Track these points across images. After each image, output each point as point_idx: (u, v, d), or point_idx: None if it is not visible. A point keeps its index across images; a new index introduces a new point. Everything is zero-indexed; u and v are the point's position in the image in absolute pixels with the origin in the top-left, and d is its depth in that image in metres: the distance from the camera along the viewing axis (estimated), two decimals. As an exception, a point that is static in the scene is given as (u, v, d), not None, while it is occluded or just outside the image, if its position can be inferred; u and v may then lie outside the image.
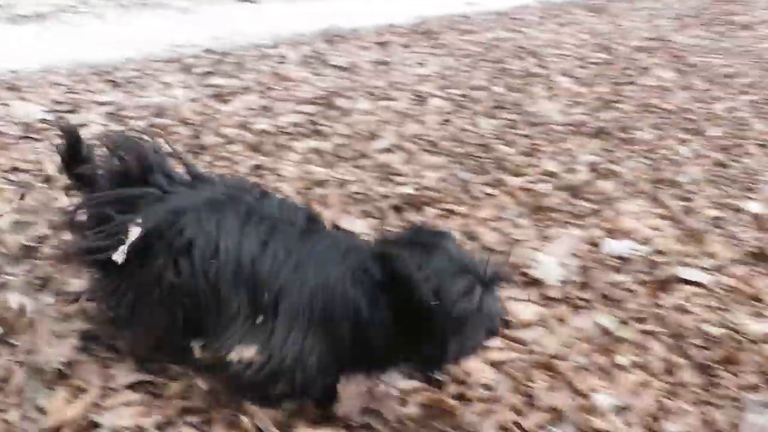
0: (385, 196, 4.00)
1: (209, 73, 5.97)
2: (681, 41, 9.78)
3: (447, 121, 5.55)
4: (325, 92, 5.81)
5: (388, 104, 5.73)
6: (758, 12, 12.93)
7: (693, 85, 7.61)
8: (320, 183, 4.07)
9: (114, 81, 5.48)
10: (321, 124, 5.04)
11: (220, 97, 5.39)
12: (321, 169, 4.29)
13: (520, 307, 3.10)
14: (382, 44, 7.78)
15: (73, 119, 4.39)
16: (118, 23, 7.32)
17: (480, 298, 1.88)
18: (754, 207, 4.71)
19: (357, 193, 4.02)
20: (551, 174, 4.79)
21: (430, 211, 3.92)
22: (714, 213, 4.56)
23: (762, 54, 9.41)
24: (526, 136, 5.45)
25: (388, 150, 4.73)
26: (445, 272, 1.90)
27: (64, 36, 6.62)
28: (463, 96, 6.21)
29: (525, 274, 3.41)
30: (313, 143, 4.66)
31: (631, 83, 7.34)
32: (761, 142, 6.07)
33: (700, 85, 7.64)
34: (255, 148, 4.48)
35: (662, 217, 4.39)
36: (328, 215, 3.51)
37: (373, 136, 4.95)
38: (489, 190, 4.38)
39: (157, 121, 4.71)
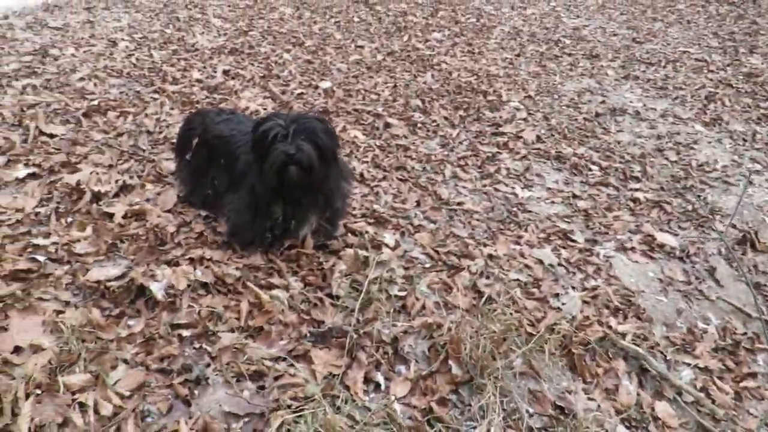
0: (78, 108, 4.70)
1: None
2: None
3: (131, 55, 6.09)
4: (42, 46, 6.15)
5: (89, 49, 6.17)
6: None
7: (303, 15, 8.75)
8: (31, 106, 4.58)
9: None
10: (36, 68, 5.49)
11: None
12: (32, 97, 4.78)
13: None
14: (88, 9, 7.97)
15: None
16: None
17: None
18: (324, 85, 6.09)
19: (57, 109, 4.61)
20: (198, 81, 5.77)
21: (112, 114, 4.76)
22: (300, 90, 5.86)
23: None
24: (185, 59, 6.23)
25: (83, 79, 5.34)
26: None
27: None
28: (144, 38, 6.72)
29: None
30: (28, 81, 5.13)
31: (261, 18, 8.28)
32: (337, 46, 7.46)
33: (308, 14, 8.82)
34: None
35: (267, 97, 5.60)
36: (33, 125, 4.23)
37: (74, 71, 5.52)
38: (155, 96, 5.30)
39: None
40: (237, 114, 3.42)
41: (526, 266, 3.37)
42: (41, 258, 2.83)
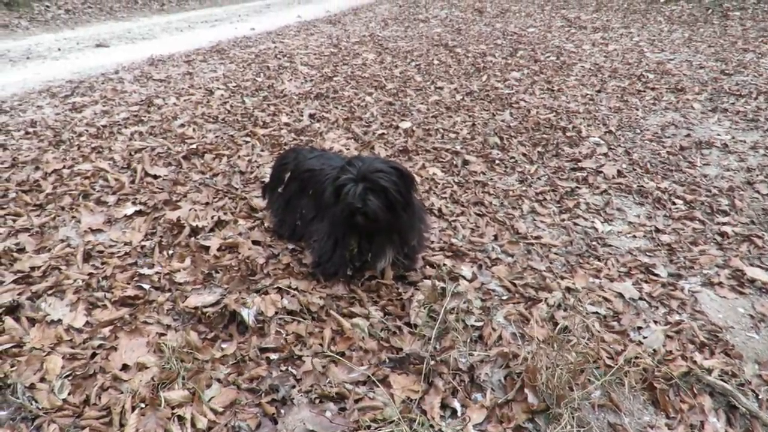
0: (179, 152, 5.12)
1: (68, 97, 6.80)
2: (383, 35, 11.27)
3: (225, 102, 6.55)
4: (147, 97, 6.71)
5: (189, 98, 6.70)
6: (431, 12, 14.82)
7: (384, 60, 9.10)
8: (138, 150, 5.07)
9: (2, 109, 6.21)
10: (143, 117, 6.00)
11: (74, 109, 6.25)
12: (139, 142, 5.26)
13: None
14: (188, 62, 8.62)
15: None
16: (10, 73, 7.78)
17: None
18: (405, 125, 6.31)
19: (161, 152, 5.06)
20: (286, 124, 6.12)
21: (208, 156, 5.15)
22: (381, 131, 6.10)
23: (432, 37, 11.10)
24: (274, 105, 6.61)
25: (183, 125, 5.81)
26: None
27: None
28: (237, 86, 7.22)
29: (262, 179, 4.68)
30: (135, 128, 5.64)
31: (345, 64, 8.67)
32: (417, 87, 7.69)
33: (389, 59, 9.16)
34: (96, 137, 5.45)
35: (350, 138, 5.87)
36: (140, 167, 4.68)
37: (175, 118, 6.00)
38: (246, 139, 5.68)
39: (30, 129, 5.53)
40: (327, 152, 3.66)
41: (606, 299, 3.35)
42: (146, 286, 3.10)
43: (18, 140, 4.96)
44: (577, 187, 4.75)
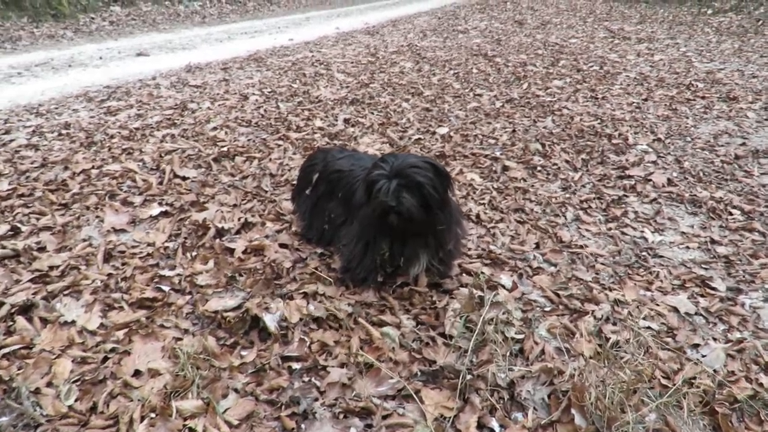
0: (209, 154, 5.01)
1: (105, 101, 6.78)
2: (422, 45, 11.11)
3: (259, 107, 6.46)
4: (182, 101, 6.66)
5: (223, 103, 6.63)
6: (471, 23, 14.62)
7: (422, 68, 8.91)
8: (169, 152, 4.97)
9: (39, 112, 6.23)
10: (176, 120, 5.91)
11: (109, 113, 6.23)
12: (170, 144, 5.16)
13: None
14: (225, 69, 8.59)
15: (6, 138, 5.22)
16: (51, 79, 7.84)
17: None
18: (442, 130, 6.09)
19: (191, 155, 4.96)
20: (320, 128, 5.96)
21: (239, 159, 5.01)
22: (417, 136, 5.88)
23: (470, 47, 10.90)
24: (308, 110, 6.48)
25: (215, 128, 5.70)
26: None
27: (7, 90, 7.17)
28: (272, 92, 7.12)
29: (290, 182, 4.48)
30: (167, 131, 5.55)
31: (382, 72, 8.51)
32: (455, 95, 7.47)
33: (427, 67, 8.97)
34: (128, 138, 5.39)
35: (384, 143, 5.67)
36: (168, 168, 4.55)
37: (208, 122, 5.91)
38: (279, 142, 5.53)
39: (64, 131, 5.50)
40: (357, 152, 3.45)
41: (659, 314, 3.04)
42: (166, 288, 2.92)
43: (50, 141, 4.91)
44: (624, 195, 4.44)
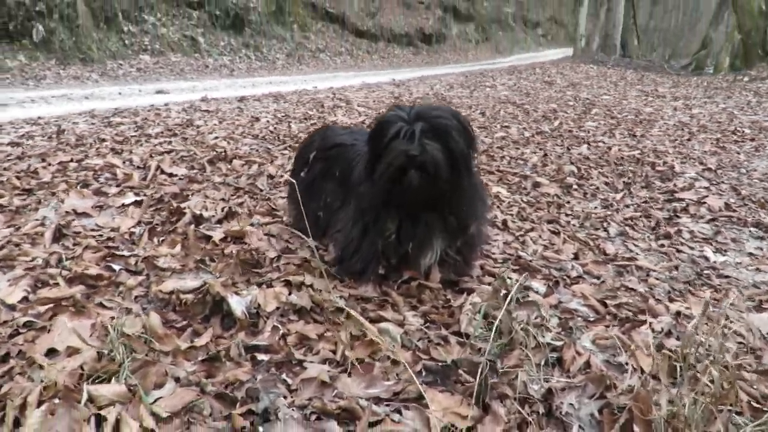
0: (204, 156, 4.53)
1: (108, 117, 6.43)
2: (449, 95, 10.81)
3: (269, 126, 6.05)
4: (189, 119, 6.28)
5: (232, 122, 6.24)
6: (499, 81, 14.41)
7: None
8: (161, 153, 4.48)
9: (36, 122, 5.88)
10: (177, 132, 5.49)
11: (110, 125, 5.85)
12: (163, 146, 4.72)
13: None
14: (240, 100, 8.33)
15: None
16: (63, 106, 7.63)
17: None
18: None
19: (185, 156, 4.50)
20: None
21: (237, 162, 4.51)
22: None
23: (498, 97, 10.54)
24: (321, 131, 6.12)
25: (217, 138, 5.26)
26: None
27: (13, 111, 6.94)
28: (285, 116, 6.75)
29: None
30: (165, 138, 5.11)
31: (404, 104, 8.13)
32: (481, 126, 6.98)
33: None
34: (120, 143, 4.94)
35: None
36: (155, 163, 4.06)
37: (211, 133, 5.47)
38: (284, 152, 5.05)
39: (54, 135, 5.09)
40: (364, 129, 2.89)
41: (735, 332, 2.36)
42: (117, 267, 2.34)
43: (36, 142, 4.45)
44: (675, 215, 3.78)
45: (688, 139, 6.58)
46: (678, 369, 1.97)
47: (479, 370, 1.74)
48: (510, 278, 2.52)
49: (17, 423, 1.54)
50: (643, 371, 2.06)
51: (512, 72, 18.59)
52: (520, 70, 19.68)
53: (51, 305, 2.04)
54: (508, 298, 2.04)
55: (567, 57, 25.10)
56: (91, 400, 1.61)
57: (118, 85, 10.99)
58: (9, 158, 3.92)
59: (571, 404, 1.83)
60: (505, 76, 16.66)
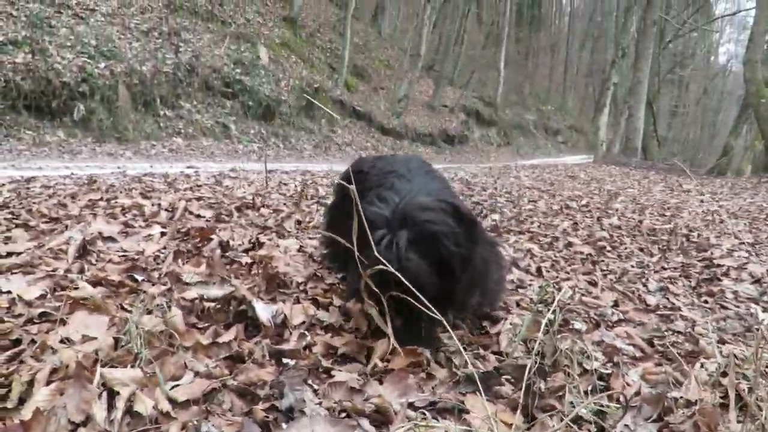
0: (231, 203, 4.52)
1: (139, 176, 6.52)
2: (474, 181, 10.89)
3: (297, 188, 6.12)
4: (217, 180, 6.39)
5: (261, 184, 6.32)
6: (522, 173, 14.40)
7: (473, 188, 8.49)
8: (189, 199, 4.51)
9: (68, 177, 5.97)
10: (204, 186, 5.59)
11: (140, 182, 5.92)
12: (192, 194, 4.77)
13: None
14: (269, 172, 8.46)
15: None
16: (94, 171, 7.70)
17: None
18: (492, 217, 5.47)
19: (213, 203, 4.47)
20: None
21: (265, 210, 4.46)
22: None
23: (523, 184, 10.53)
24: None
25: (245, 192, 5.25)
26: None
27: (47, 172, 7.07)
28: (313, 182, 6.86)
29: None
30: (192, 194, 5.16)
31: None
32: (508, 200, 6.92)
33: (478, 188, 8.54)
34: (150, 190, 4.97)
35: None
36: (182, 204, 4.03)
37: (239, 188, 5.52)
38: (312, 206, 4.98)
39: (86, 182, 5.16)
40: (399, 154, 2.81)
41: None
42: (140, 277, 2.24)
43: (68, 186, 4.48)
44: (717, 278, 3.63)
45: (721, 221, 6.43)
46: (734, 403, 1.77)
47: (525, 376, 1.57)
48: (554, 289, 2.36)
49: (21, 402, 1.40)
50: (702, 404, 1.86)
51: (534, 168, 18.78)
52: (542, 167, 19.89)
53: (70, 302, 1.92)
54: (550, 316, 1.89)
55: (588, 161, 25.53)
56: (104, 383, 1.46)
57: (150, 162, 11.22)
58: (39, 195, 3.92)
59: (626, 425, 1.65)
60: (528, 170, 16.82)
